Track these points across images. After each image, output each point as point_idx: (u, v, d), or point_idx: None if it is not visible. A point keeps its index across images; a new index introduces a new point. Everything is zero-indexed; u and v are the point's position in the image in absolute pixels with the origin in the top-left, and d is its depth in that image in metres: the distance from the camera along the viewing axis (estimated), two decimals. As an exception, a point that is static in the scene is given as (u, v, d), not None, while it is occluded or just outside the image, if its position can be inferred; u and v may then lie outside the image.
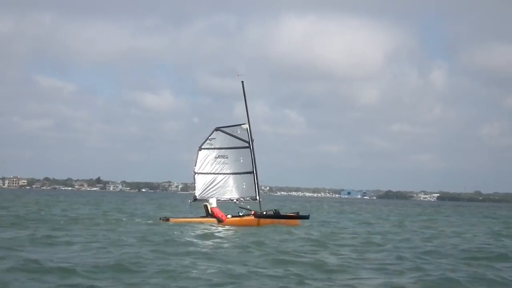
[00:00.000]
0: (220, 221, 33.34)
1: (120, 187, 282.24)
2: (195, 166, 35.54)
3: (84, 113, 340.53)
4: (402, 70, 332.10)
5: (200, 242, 22.81)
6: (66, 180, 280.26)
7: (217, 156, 35.54)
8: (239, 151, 35.71)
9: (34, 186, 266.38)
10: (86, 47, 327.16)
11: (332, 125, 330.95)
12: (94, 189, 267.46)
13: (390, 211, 75.75)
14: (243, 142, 35.75)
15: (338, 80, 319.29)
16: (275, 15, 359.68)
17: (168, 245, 20.66)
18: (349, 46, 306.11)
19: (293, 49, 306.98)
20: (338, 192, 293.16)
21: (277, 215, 34.78)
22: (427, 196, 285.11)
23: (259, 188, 35.96)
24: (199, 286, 13.44)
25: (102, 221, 32.97)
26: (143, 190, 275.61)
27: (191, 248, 20.17)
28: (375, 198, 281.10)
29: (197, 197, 35.62)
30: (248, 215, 34.46)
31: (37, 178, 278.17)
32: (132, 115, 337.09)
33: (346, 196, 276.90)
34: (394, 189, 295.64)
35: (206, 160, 35.49)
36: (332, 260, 18.10)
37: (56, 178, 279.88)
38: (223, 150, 35.59)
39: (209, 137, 35.63)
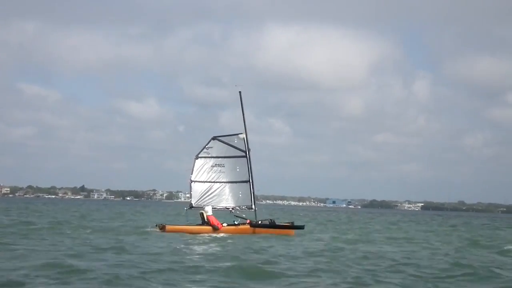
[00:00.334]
0: (215, 229, 33.52)
1: (104, 195, 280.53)
2: (191, 174, 35.77)
3: (69, 121, 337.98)
4: (386, 80, 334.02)
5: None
6: (49, 188, 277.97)
7: (213, 164, 35.81)
8: (236, 160, 35.99)
9: (17, 194, 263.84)
10: (70, 55, 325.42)
11: (317, 135, 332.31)
12: (78, 197, 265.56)
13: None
14: (240, 152, 36.08)
15: (323, 90, 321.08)
16: (260, 25, 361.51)
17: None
18: (333, 56, 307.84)
19: (278, 59, 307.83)
20: (323, 201, 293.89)
21: (272, 225, 35.00)
22: (411, 205, 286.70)
23: (255, 198, 36.21)
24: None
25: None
26: (128, 198, 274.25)
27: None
28: (359, 207, 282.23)
29: (193, 205, 35.87)
30: (244, 224, 34.68)
31: (20, 186, 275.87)
32: (117, 123, 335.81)
33: (331, 205, 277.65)
34: (378, 199, 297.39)
35: (202, 168, 35.72)
36: None
37: (39, 186, 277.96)
38: (219, 159, 35.89)
39: (206, 146, 35.92)
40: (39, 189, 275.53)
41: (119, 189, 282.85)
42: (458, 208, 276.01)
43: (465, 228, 60.18)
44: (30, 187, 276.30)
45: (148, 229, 34.39)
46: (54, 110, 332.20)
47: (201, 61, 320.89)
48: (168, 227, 33.88)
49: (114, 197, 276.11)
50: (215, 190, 35.75)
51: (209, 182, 35.77)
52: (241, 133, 36.15)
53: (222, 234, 32.72)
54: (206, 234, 32.58)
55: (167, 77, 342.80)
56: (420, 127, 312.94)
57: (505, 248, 29.69)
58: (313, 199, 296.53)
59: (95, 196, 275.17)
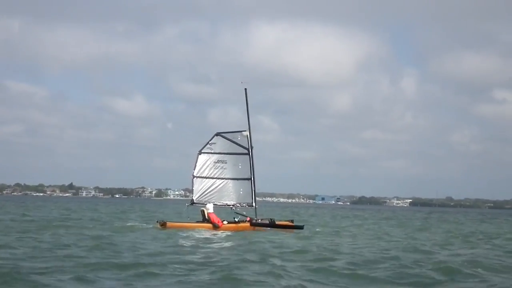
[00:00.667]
0: (216, 227, 33.56)
1: (93, 193, 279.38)
2: (194, 169, 35.69)
3: (56, 119, 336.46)
4: (373, 77, 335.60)
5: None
6: (37, 186, 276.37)
7: (216, 160, 35.76)
8: (238, 157, 35.98)
9: (5, 192, 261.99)
10: (57, 52, 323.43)
11: (306, 132, 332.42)
12: (67, 195, 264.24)
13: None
14: (243, 149, 36.06)
15: (311, 87, 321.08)
16: (247, 22, 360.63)
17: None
18: (321, 53, 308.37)
19: (266, 56, 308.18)
20: (313, 197, 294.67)
21: (272, 224, 35.00)
22: (400, 202, 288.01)
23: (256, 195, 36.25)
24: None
25: None
26: (117, 196, 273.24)
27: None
28: (348, 203, 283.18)
29: (195, 201, 35.83)
30: (244, 221, 34.71)
31: (8, 184, 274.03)
32: (105, 120, 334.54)
33: (320, 202, 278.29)
34: (367, 195, 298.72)
35: (205, 164, 35.66)
36: None
37: (27, 184, 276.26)
38: (222, 155, 35.82)
39: (210, 142, 35.84)
40: (27, 187, 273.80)
41: (108, 187, 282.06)
42: (446, 204, 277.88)
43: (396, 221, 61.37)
44: (17, 184, 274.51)
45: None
46: (41, 107, 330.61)
47: (189, 58, 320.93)
48: (169, 224, 33.84)
49: (103, 195, 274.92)
50: (216, 187, 35.72)
51: (211, 178, 35.71)
52: (245, 131, 36.10)
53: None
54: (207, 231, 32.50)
55: (155, 74, 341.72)
56: (408, 124, 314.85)
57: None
58: (302, 196, 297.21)
59: (84, 194, 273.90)
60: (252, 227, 34.23)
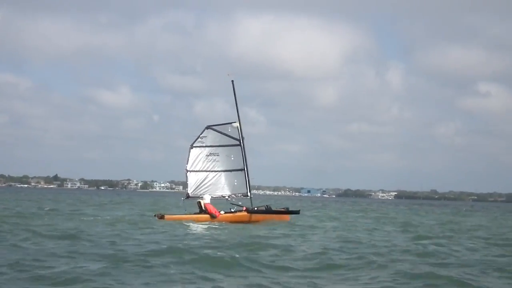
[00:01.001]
0: (213, 217, 33.70)
1: (78, 184, 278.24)
2: (187, 164, 35.82)
3: (40, 110, 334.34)
4: (359, 70, 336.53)
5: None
6: (22, 177, 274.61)
7: (208, 154, 35.90)
8: (230, 148, 36.13)
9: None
10: (40, 43, 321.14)
11: (292, 124, 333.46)
12: (51, 186, 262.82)
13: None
14: (234, 140, 36.20)
15: (296, 79, 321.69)
16: (232, 14, 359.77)
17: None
18: (307, 46, 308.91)
19: (252, 48, 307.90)
20: (298, 190, 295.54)
21: (268, 211, 35.56)
22: (385, 194, 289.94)
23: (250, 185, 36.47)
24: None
25: None
26: (102, 187, 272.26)
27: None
28: (334, 196, 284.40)
29: (190, 195, 35.95)
30: (240, 211, 34.99)
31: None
32: (89, 112, 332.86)
33: (306, 195, 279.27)
34: (353, 188, 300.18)
35: (198, 158, 35.79)
36: None
37: (11, 175, 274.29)
38: (214, 148, 35.97)
39: (200, 135, 35.95)
40: (11, 178, 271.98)
41: (93, 179, 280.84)
42: (431, 197, 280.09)
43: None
44: (1, 176, 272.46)
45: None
46: (25, 98, 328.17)
47: (174, 49, 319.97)
48: (166, 216, 33.92)
49: (88, 187, 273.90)
50: (210, 179, 35.86)
51: (205, 171, 35.86)
52: (235, 122, 36.26)
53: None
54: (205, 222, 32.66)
55: (140, 66, 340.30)
56: (393, 117, 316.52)
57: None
58: (288, 188, 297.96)
59: (69, 186, 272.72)
60: (249, 216, 34.53)
